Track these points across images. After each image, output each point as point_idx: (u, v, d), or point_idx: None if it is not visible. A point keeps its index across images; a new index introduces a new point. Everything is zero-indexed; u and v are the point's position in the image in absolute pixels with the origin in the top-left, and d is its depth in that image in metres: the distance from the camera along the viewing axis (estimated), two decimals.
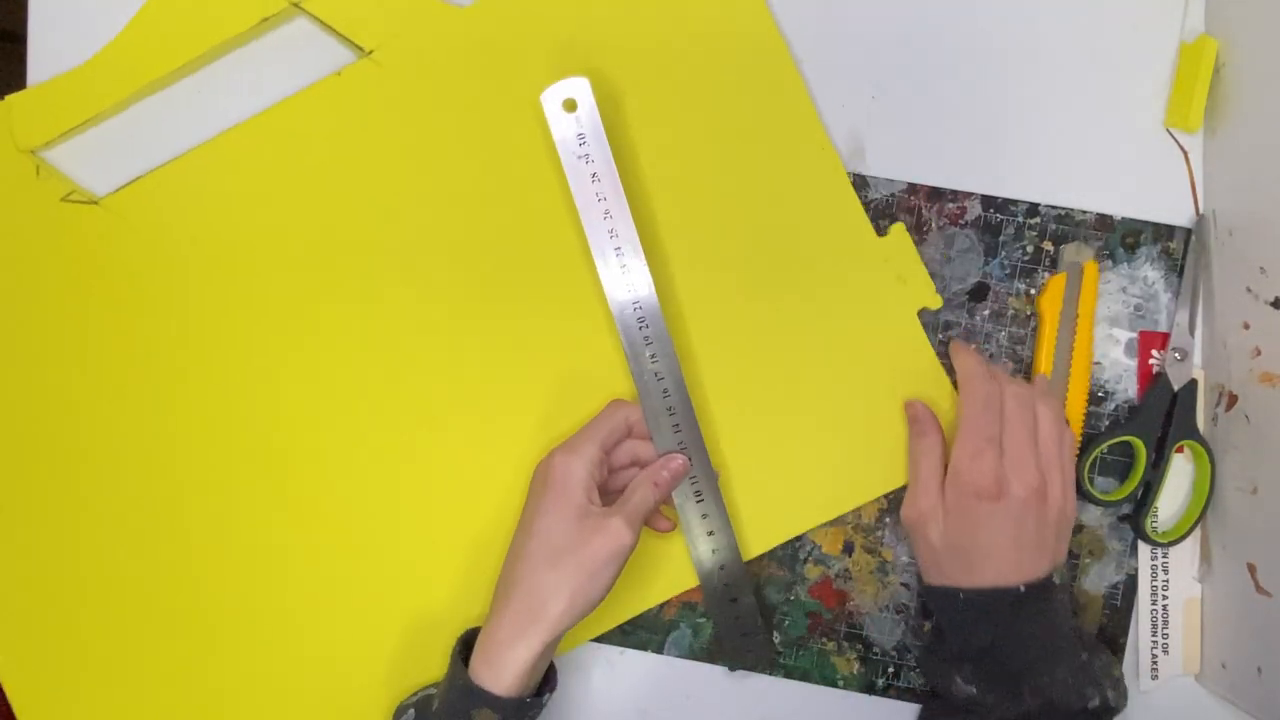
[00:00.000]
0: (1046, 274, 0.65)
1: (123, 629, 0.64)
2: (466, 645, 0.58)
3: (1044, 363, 0.64)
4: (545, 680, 0.58)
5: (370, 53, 0.64)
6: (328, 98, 0.64)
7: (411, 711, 0.59)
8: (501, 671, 0.54)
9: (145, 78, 0.63)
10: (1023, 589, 0.57)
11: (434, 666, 0.63)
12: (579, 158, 0.59)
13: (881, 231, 0.65)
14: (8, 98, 0.63)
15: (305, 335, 0.64)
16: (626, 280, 0.60)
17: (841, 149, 0.66)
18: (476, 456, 0.64)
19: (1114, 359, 0.65)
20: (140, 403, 0.64)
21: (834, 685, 0.65)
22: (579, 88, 0.59)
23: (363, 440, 0.64)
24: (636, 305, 0.60)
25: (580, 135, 0.59)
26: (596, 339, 0.64)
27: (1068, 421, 0.61)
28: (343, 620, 0.64)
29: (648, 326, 0.60)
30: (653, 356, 0.61)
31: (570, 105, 0.59)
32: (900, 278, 0.64)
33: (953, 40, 0.66)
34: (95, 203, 0.64)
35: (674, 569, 0.64)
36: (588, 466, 0.57)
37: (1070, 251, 0.65)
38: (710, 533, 0.62)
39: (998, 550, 0.57)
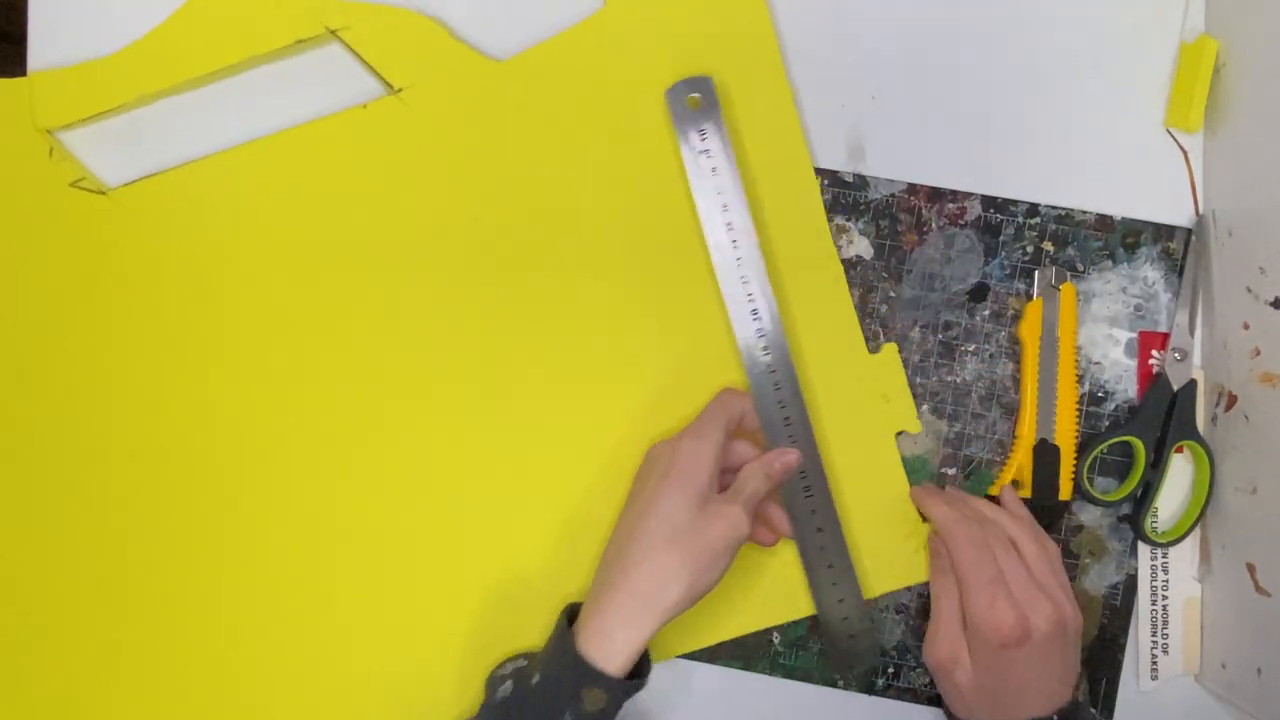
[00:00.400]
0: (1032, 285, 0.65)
1: (158, 617, 0.64)
2: (570, 620, 0.57)
3: (1029, 390, 0.64)
4: (640, 663, 0.57)
5: (399, 91, 0.64)
6: (350, 128, 0.64)
7: (509, 683, 0.57)
8: (613, 651, 0.54)
9: (172, 78, 0.63)
10: (1055, 717, 0.57)
11: (517, 638, 0.63)
12: (699, 153, 0.62)
13: (874, 349, 0.65)
14: (31, 74, 0.63)
15: (302, 350, 0.64)
16: (740, 272, 0.62)
17: (841, 149, 0.66)
18: (570, 434, 0.64)
19: (1114, 359, 0.65)
20: (131, 396, 0.64)
21: (834, 685, 0.65)
22: (703, 85, 0.62)
23: (443, 424, 0.65)
24: (750, 297, 0.62)
25: (701, 131, 0.62)
26: (701, 323, 0.64)
27: (1044, 531, 0.62)
28: (425, 591, 0.64)
29: (761, 319, 0.62)
30: (765, 348, 0.62)
31: (694, 103, 0.62)
32: (885, 397, 0.65)
33: (953, 40, 0.66)
34: (103, 193, 0.63)
35: (787, 594, 0.64)
36: (715, 451, 0.57)
37: (1045, 276, 0.65)
38: (819, 529, 0.62)
39: (1029, 689, 0.57)
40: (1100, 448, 0.64)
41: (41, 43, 0.65)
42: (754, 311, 0.62)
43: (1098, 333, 0.65)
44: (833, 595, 0.63)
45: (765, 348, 0.62)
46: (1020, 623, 0.56)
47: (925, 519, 0.64)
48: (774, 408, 0.62)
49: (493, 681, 0.59)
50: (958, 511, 0.60)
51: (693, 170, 0.62)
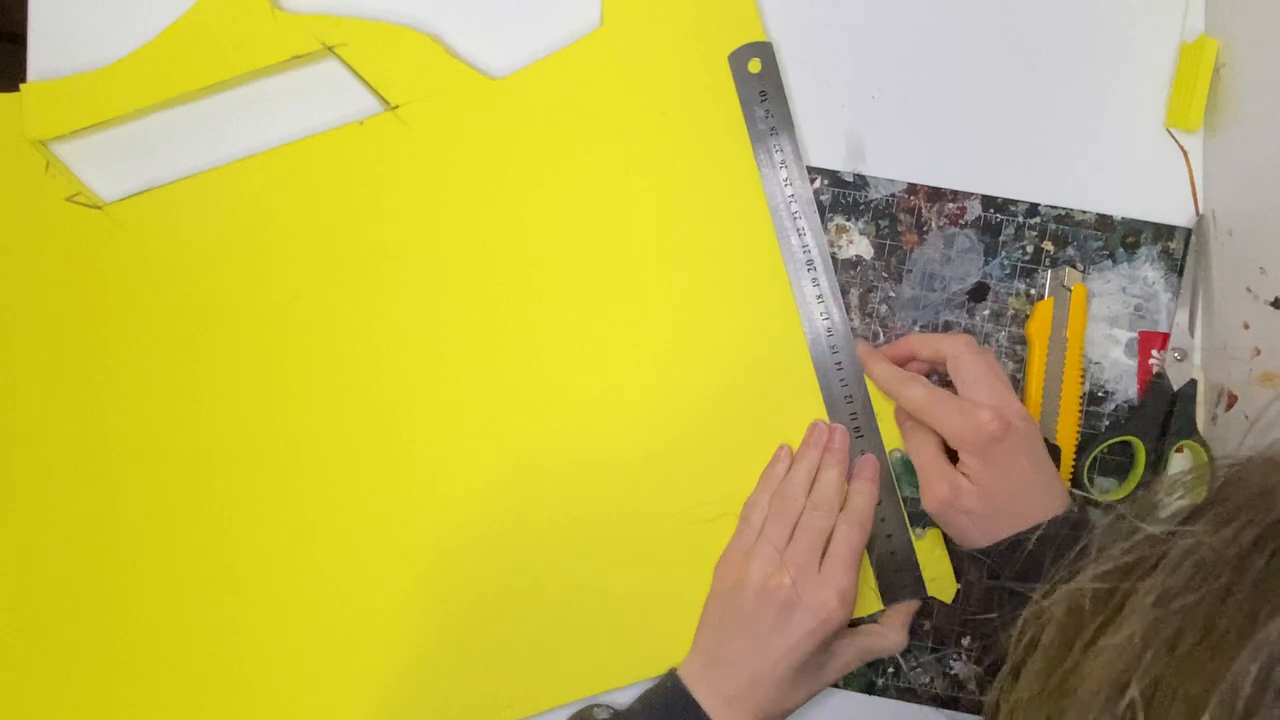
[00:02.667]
0: (1043, 284, 0.65)
1: (149, 636, 0.64)
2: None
3: (1034, 387, 0.64)
4: None
5: (396, 108, 0.64)
6: (346, 145, 0.64)
7: (608, 713, 0.60)
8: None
9: (167, 92, 0.63)
10: (1077, 509, 0.58)
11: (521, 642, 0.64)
12: (758, 106, 0.65)
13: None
14: (24, 85, 0.63)
15: (299, 363, 0.65)
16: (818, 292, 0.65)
17: (841, 149, 0.66)
18: (584, 444, 0.65)
19: (1114, 359, 0.65)
20: (118, 410, 0.64)
21: (834, 685, 0.65)
22: (763, 50, 0.65)
23: (443, 438, 0.65)
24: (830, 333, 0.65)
25: (762, 93, 0.65)
26: (731, 330, 0.65)
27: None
28: (430, 596, 0.65)
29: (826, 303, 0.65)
30: (842, 377, 0.65)
31: (755, 66, 0.65)
32: (880, 416, 0.65)
33: (953, 40, 0.66)
34: (99, 208, 0.64)
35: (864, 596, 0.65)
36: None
37: (1057, 276, 0.65)
38: (888, 535, 0.65)
39: (1033, 482, 0.58)
40: (1100, 447, 0.64)
41: (42, 43, 0.65)
42: (819, 297, 0.65)
43: (1097, 332, 0.65)
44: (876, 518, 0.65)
45: (829, 331, 0.65)
46: (996, 414, 0.57)
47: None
48: (837, 387, 0.64)
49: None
50: (895, 369, 0.62)
51: (754, 135, 0.65)
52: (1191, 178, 0.65)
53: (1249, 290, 0.61)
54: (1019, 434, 0.57)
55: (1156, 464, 0.64)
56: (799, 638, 0.58)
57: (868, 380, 0.64)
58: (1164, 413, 0.64)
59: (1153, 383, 0.65)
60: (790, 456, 0.64)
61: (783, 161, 0.65)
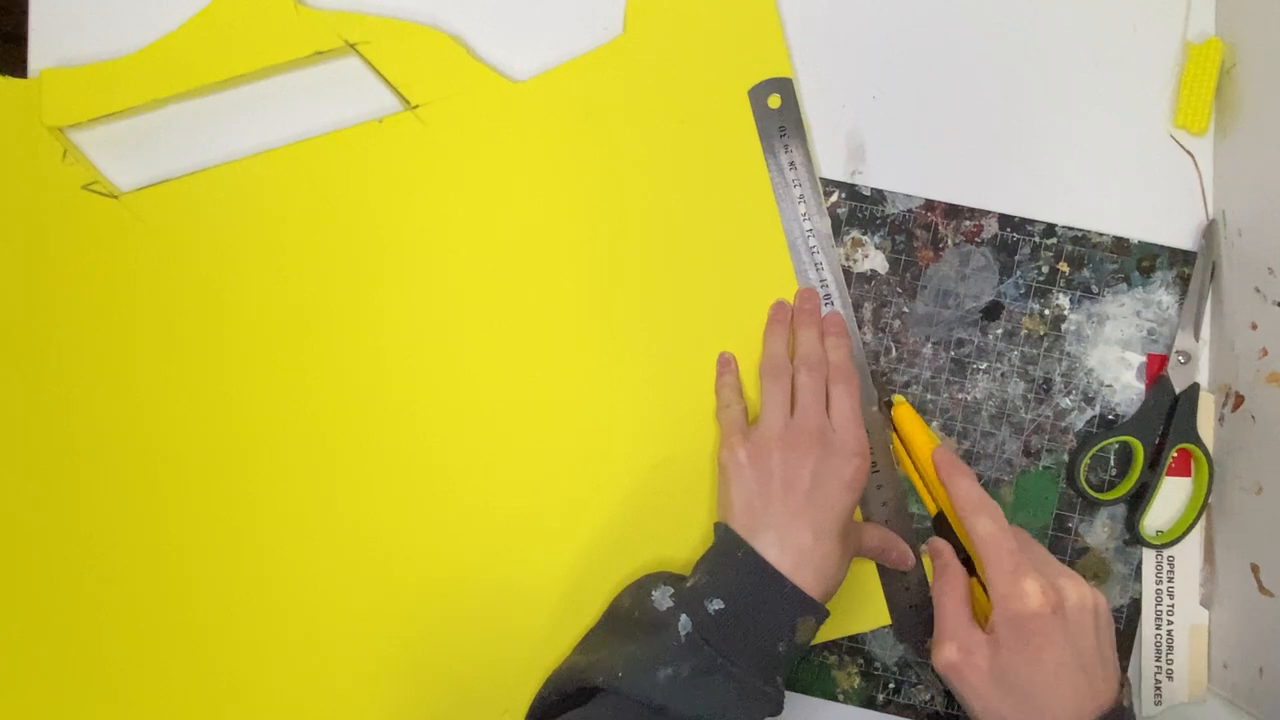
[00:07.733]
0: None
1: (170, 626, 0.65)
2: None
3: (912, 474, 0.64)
4: None
5: (416, 107, 0.64)
6: (365, 142, 0.64)
7: (685, 618, 0.54)
8: (825, 582, 0.55)
9: (187, 84, 0.64)
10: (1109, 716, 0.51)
11: (522, 642, 0.64)
12: (777, 140, 0.65)
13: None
14: (42, 71, 0.63)
15: (309, 361, 0.65)
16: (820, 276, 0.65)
17: (844, 149, 0.66)
18: (570, 454, 0.65)
19: (1125, 382, 0.65)
20: (129, 401, 0.64)
21: (834, 699, 0.65)
22: (783, 86, 0.65)
23: (458, 431, 0.65)
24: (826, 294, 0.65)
25: (781, 129, 0.65)
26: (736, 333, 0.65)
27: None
28: (435, 598, 0.65)
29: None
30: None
31: (775, 101, 0.65)
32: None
33: (965, 58, 0.66)
34: (115, 197, 0.64)
35: (868, 605, 0.65)
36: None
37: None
38: (884, 503, 0.64)
39: (1065, 674, 0.51)
40: (1097, 446, 0.64)
41: (42, 43, 0.66)
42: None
43: (1110, 355, 0.65)
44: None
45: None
46: (1050, 588, 0.52)
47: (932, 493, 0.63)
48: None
49: (646, 584, 0.57)
50: (980, 493, 0.57)
51: (774, 170, 0.65)
52: (1201, 182, 0.65)
53: (1257, 290, 0.60)
54: (1070, 614, 0.52)
55: (1155, 465, 0.64)
56: (840, 487, 0.57)
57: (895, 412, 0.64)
58: (1165, 415, 0.64)
59: (1155, 384, 0.64)
60: (732, 361, 0.64)
61: (801, 196, 0.65)
